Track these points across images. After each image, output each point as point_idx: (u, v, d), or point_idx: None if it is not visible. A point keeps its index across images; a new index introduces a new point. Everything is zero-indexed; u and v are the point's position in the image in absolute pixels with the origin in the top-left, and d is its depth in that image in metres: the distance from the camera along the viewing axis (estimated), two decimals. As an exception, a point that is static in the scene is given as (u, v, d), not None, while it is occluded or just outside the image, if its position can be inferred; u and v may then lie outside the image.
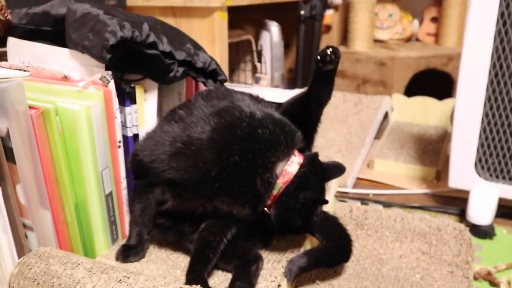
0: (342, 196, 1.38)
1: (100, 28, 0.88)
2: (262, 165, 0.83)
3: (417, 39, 2.34)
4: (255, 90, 1.13)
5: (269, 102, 0.99)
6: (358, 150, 1.57)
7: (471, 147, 1.20)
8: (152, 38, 0.90)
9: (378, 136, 1.76)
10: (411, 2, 2.37)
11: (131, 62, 0.94)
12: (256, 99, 0.97)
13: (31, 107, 0.79)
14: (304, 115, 0.97)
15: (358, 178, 1.51)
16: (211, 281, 0.85)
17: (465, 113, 1.19)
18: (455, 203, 1.33)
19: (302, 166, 0.85)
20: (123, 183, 0.95)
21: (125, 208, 0.97)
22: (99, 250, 0.93)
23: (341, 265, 1.00)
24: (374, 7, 2.15)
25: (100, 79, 0.89)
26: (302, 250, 0.95)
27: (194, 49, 0.98)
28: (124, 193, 0.96)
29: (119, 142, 0.92)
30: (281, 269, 0.87)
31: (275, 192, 0.84)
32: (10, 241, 0.78)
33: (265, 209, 0.86)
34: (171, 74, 0.95)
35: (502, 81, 1.13)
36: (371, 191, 1.41)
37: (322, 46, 2.12)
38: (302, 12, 2.04)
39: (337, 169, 0.92)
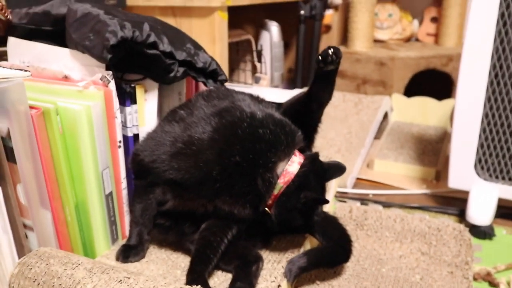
0: (341, 196, 1.38)
1: (100, 28, 0.88)
2: (263, 165, 0.83)
3: (417, 39, 2.34)
4: (254, 90, 1.13)
5: (269, 102, 0.99)
6: (358, 150, 1.57)
7: (471, 147, 1.20)
8: (152, 38, 0.90)
9: (377, 136, 1.76)
10: (411, 2, 2.37)
11: (132, 62, 0.94)
12: (257, 99, 0.97)
13: (31, 107, 0.79)
14: (305, 115, 0.97)
15: (357, 178, 1.51)
16: (211, 282, 0.85)
17: (465, 113, 1.19)
18: (454, 203, 1.33)
19: (302, 166, 0.85)
20: (123, 183, 0.95)
21: (125, 208, 0.97)
22: (99, 250, 0.93)
23: (341, 265, 1.00)
24: (374, 7, 2.15)
25: (101, 79, 0.89)
26: (302, 250, 0.95)
27: (194, 49, 0.98)
28: (124, 193, 0.96)
29: (120, 142, 0.92)
30: (281, 270, 0.87)
31: (276, 191, 0.84)
32: (11, 241, 0.78)
33: (266, 209, 0.86)
34: (172, 74, 0.95)
35: (502, 81, 1.14)
36: (370, 191, 1.41)
37: (322, 46, 2.13)
38: (302, 12, 2.04)
39: (337, 169, 0.92)
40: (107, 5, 1.26)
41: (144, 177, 0.89)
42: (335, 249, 0.95)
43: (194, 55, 0.97)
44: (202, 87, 1.07)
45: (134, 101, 0.94)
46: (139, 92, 0.94)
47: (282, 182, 0.84)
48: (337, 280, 0.97)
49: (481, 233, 1.17)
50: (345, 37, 2.28)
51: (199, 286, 0.74)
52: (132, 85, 0.93)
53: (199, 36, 1.49)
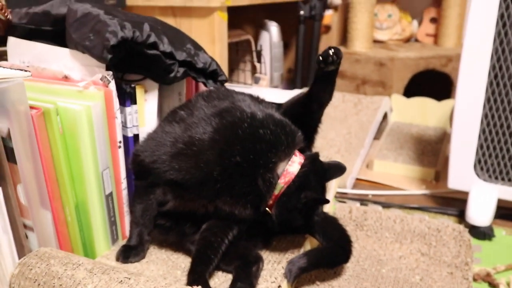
0: (341, 197, 1.38)
1: (100, 28, 0.88)
2: (264, 165, 0.83)
3: (416, 40, 2.35)
4: (254, 90, 1.13)
5: (269, 102, 0.99)
6: (358, 151, 1.57)
7: (471, 148, 1.21)
8: (153, 38, 0.90)
9: (377, 136, 1.76)
10: (410, 3, 2.37)
11: (132, 62, 0.94)
12: (257, 100, 0.97)
13: (31, 107, 0.79)
14: (305, 116, 0.97)
15: (357, 179, 1.51)
16: (211, 282, 0.85)
17: (465, 114, 1.19)
18: (454, 204, 1.33)
19: (303, 166, 0.85)
20: (124, 184, 0.95)
21: (126, 208, 0.97)
22: (99, 250, 0.93)
23: (341, 266, 1.00)
24: (373, 7, 2.16)
25: (101, 79, 0.89)
26: (302, 250, 0.95)
27: (194, 50, 0.98)
28: (125, 193, 0.96)
29: (120, 142, 0.92)
30: (281, 270, 0.87)
31: (276, 192, 0.84)
32: (11, 241, 0.78)
33: (267, 209, 0.86)
34: (172, 75, 0.95)
35: (501, 82, 1.14)
36: (370, 192, 1.42)
37: (321, 46, 2.13)
38: (302, 12, 2.04)
39: (337, 169, 0.93)
40: (107, 5, 1.26)
41: (145, 178, 0.89)
42: (335, 249, 0.95)
43: (194, 55, 0.97)
44: (202, 87, 1.07)
45: (134, 102, 0.94)
46: (139, 92, 0.94)
47: (282, 182, 0.84)
48: (337, 280, 0.97)
49: (481, 233, 1.17)
50: (344, 38, 2.28)
51: (200, 286, 0.74)
52: (132, 85, 0.93)
53: (199, 36, 1.49)
